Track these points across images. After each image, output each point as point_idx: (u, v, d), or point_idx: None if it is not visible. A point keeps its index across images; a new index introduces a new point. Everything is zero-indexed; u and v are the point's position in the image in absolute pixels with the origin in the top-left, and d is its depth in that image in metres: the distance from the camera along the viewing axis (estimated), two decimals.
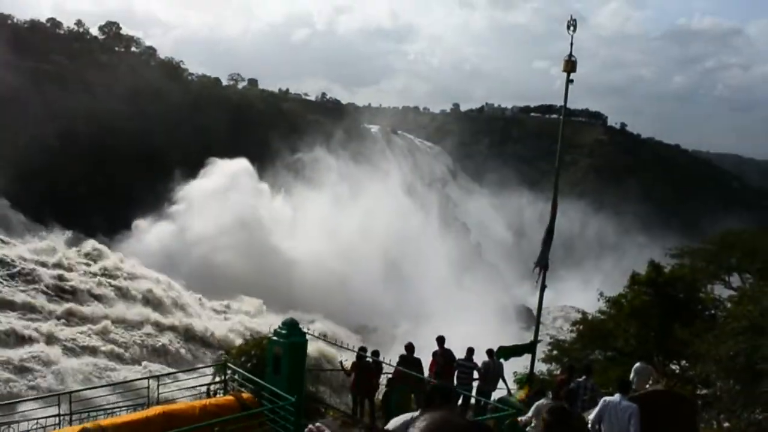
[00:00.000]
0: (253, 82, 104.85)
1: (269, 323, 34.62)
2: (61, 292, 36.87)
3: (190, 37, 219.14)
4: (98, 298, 37.60)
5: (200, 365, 23.37)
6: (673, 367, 17.60)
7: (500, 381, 15.45)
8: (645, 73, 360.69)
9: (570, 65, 13.36)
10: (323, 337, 15.48)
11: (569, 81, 13.71)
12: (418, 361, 14.41)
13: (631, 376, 15.60)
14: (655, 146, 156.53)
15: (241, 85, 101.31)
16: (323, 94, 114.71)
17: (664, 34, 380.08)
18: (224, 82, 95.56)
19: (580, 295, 69.78)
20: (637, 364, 16.09)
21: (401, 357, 14.54)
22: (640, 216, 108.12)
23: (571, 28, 13.19)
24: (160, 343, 35.60)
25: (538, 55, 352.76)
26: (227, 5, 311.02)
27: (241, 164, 61.07)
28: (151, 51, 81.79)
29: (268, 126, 76.62)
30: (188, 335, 37.78)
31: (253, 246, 53.47)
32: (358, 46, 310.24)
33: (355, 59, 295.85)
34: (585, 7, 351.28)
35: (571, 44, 13.18)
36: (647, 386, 15.42)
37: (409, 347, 14.68)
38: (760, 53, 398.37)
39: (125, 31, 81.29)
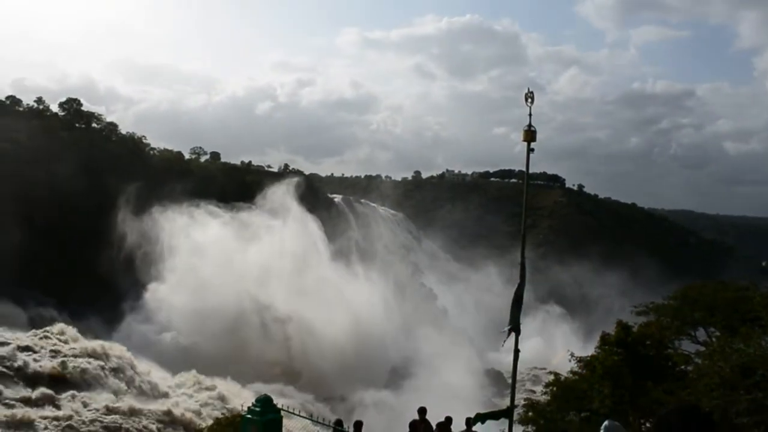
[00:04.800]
0: (215, 155, 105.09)
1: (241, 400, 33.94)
2: (26, 376, 35.90)
3: (152, 111, 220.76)
4: (65, 380, 36.51)
5: None
6: (649, 425, 17.67)
7: None
8: (600, 136, 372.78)
9: (530, 135, 13.76)
10: (298, 412, 15.14)
11: (530, 150, 14.12)
12: None
13: None
14: (613, 205, 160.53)
15: (203, 158, 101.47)
16: (286, 166, 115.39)
17: (619, 98, 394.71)
18: (186, 156, 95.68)
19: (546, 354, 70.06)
20: (606, 422, 16.18)
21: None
22: (605, 273, 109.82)
23: (529, 100, 13.67)
24: (131, 426, 34.40)
25: (496, 121, 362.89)
26: (188, 80, 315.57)
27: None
28: (112, 126, 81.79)
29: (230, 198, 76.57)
30: (160, 417, 36.62)
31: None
32: (320, 118, 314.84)
33: (318, 130, 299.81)
34: (539, 76, 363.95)
35: (530, 115, 13.61)
36: None
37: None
38: (711, 113, 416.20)
39: (86, 107, 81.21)
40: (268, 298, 58.00)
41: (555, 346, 73.30)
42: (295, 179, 77.73)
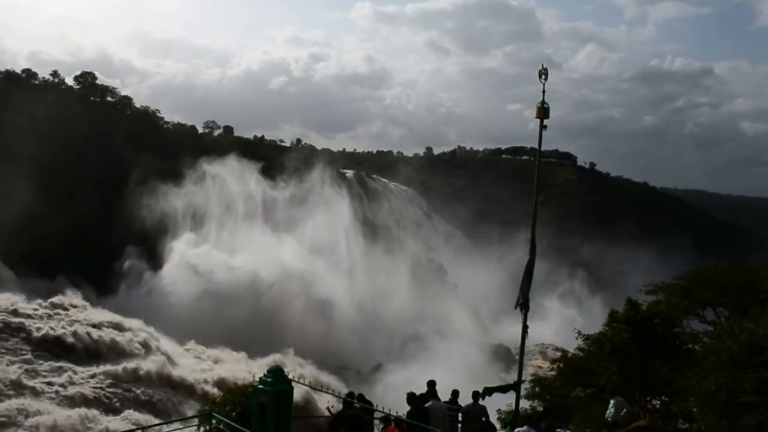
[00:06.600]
0: (228, 129, 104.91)
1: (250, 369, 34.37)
2: (42, 343, 36.59)
3: (166, 85, 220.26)
4: (76, 348, 37.14)
5: (185, 416, 23.02)
6: (655, 402, 17.83)
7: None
8: (615, 114, 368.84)
9: (543, 112, 13.73)
10: (309, 383, 15.41)
11: (543, 127, 14.09)
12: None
13: (609, 409, 16.06)
14: (625, 184, 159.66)
15: (216, 132, 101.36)
16: (298, 140, 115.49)
17: (636, 76, 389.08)
18: (200, 130, 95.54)
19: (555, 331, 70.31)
20: (613, 399, 16.49)
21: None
22: (615, 252, 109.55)
23: (543, 76, 13.62)
24: (142, 393, 34.94)
25: (510, 98, 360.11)
26: (203, 54, 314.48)
27: None
28: (126, 100, 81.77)
29: None
30: (171, 384, 37.13)
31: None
32: (334, 92, 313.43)
33: (331, 105, 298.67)
34: (555, 53, 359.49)
35: (543, 92, 13.58)
36: (621, 416, 15.84)
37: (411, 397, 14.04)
38: (729, 92, 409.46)
39: (101, 80, 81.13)
40: (290, 269, 58.52)
41: (574, 325, 73.46)
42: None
